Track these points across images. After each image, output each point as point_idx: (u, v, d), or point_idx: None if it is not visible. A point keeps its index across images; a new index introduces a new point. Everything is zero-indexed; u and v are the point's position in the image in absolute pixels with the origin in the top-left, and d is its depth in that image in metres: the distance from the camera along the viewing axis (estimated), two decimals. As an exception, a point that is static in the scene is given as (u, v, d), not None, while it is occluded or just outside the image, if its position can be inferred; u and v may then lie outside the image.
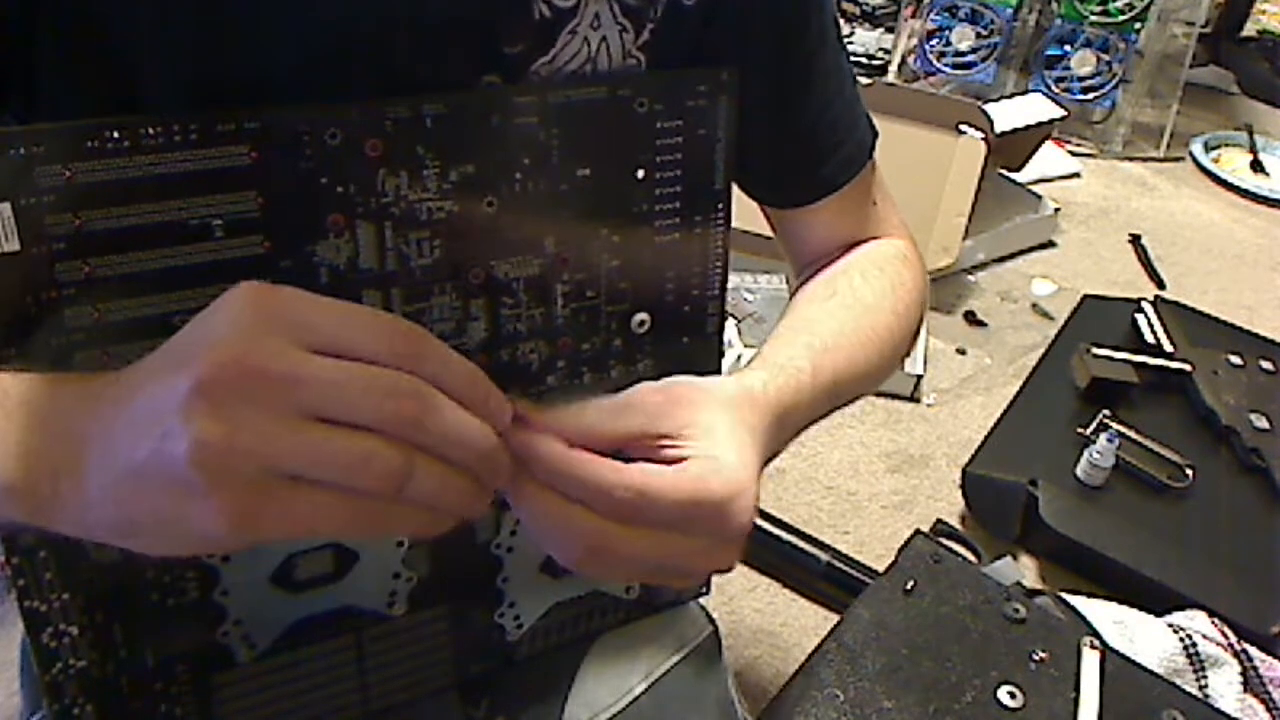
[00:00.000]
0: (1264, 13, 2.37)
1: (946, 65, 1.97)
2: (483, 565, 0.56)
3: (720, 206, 0.55)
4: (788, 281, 1.32)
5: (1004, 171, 1.68)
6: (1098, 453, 1.09)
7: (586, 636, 0.63)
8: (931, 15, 1.97)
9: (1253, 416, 1.17)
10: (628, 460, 0.42)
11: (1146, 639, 0.89)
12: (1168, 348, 1.27)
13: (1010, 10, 1.93)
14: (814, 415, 0.53)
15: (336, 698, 0.55)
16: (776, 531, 1.06)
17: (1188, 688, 0.84)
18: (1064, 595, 0.94)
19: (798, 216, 0.63)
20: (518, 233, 0.50)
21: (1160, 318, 1.32)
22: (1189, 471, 1.12)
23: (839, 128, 0.61)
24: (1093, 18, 1.90)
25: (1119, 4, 1.87)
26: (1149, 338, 1.30)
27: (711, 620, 0.68)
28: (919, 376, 1.30)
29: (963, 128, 1.47)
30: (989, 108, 1.50)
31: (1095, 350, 1.24)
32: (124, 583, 0.47)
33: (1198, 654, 0.89)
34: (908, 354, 0.63)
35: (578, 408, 0.43)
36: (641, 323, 0.55)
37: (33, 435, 0.36)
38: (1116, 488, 1.10)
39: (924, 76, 1.99)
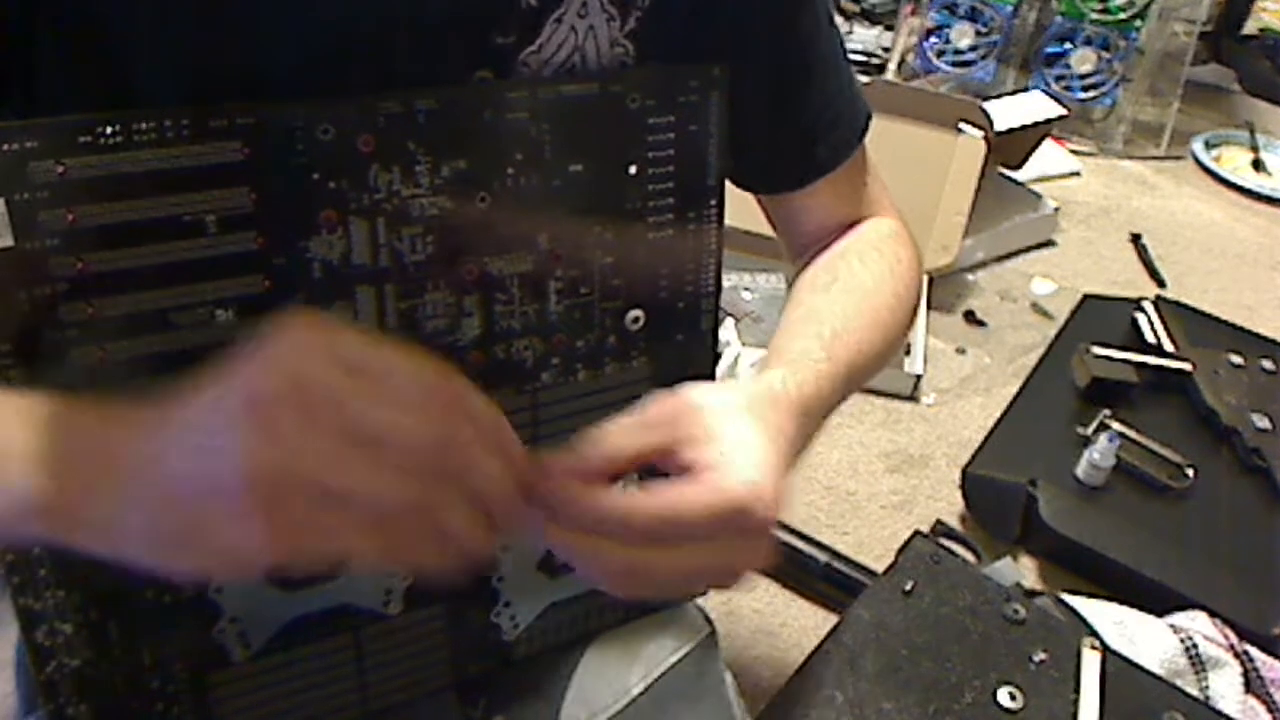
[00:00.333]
0: (1265, 10, 2.36)
1: (946, 63, 1.97)
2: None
3: (713, 202, 0.55)
4: (786, 280, 1.32)
5: (1004, 170, 1.67)
6: (1098, 453, 1.09)
7: (584, 636, 0.62)
8: (931, 13, 1.96)
9: (1254, 416, 1.17)
10: (649, 469, 0.43)
11: (1147, 640, 0.88)
12: (1168, 347, 1.27)
13: (1010, 8, 1.93)
14: (834, 403, 0.54)
15: (334, 698, 0.55)
16: (775, 531, 1.06)
17: (1189, 689, 0.83)
18: (1064, 596, 0.93)
19: (794, 200, 0.64)
20: (511, 229, 0.50)
21: (1161, 317, 1.31)
22: (1189, 472, 1.11)
23: (834, 109, 0.61)
24: (1093, 15, 1.89)
25: (1119, 1, 1.87)
26: (1149, 337, 1.29)
27: (709, 620, 0.68)
28: (918, 376, 1.30)
29: (962, 126, 1.46)
30: (989, 106, 1.49)
31: (1095, 350, 1.23)
32: (119, 580, 0.47)
33: (1199, 655, 0.88)
34: (909, 326, 0.63)
35: (596, 435, 0.44)
36: (635, 319, 0.55)
37: (65, 453, 0.36)
38: (1117, 488, 1.10)
39: (923, 74, 1.99)
